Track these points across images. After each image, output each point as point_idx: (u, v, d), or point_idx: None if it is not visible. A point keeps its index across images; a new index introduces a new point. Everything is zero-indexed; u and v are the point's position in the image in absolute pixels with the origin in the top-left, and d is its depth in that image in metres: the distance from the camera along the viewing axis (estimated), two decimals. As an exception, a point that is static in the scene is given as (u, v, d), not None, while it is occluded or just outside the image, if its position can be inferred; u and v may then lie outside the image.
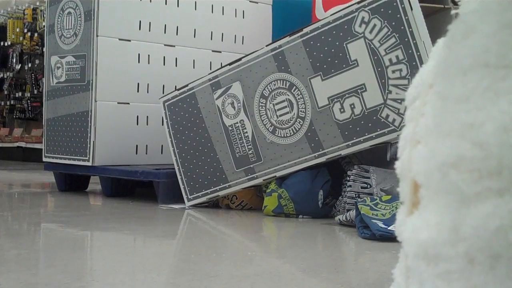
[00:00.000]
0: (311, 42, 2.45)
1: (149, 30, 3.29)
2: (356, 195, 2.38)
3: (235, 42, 3.59)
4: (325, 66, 2.43)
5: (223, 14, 3.56)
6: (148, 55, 3.29)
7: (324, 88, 2.43)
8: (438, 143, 0.61)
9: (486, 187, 0.57)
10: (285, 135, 2.53)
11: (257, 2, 3.69)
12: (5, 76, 7.60)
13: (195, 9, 3.45)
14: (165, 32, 3.35)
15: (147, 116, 3.28)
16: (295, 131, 2.50)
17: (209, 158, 2.71)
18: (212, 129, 2.70)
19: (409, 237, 0.64)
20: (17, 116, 7.54)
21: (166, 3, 3.35)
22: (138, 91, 3.26)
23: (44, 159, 3.50)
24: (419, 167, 0.64)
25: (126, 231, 2.19)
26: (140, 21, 3.26)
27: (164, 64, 3.34)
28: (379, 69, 2.32)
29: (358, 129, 2.37)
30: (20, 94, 7.43)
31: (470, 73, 0.60)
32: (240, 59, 2.64)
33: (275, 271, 1.57)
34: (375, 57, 2.33)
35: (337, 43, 2.40)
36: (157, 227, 2.43)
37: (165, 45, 3.35)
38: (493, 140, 0.56)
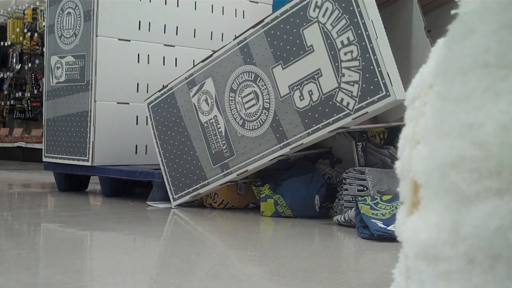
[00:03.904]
0: (272, 32, 2.47)
1: (149, 30, 3.28)
2: (353, 199, 2.37)
3: (235, 42, 3.58)
4: (285, 55, 2.44)
5: (223, 14, 3.55)
6: (148, 55, 3.29)
7: (285, 76, 2.44)
8: (438, 143, 0.61)
9: (486, 187, 0.57)
10: (253, 128, 2.53)
11: (257, 2, 3.69)
12: (5, 76, 7.59)
13: (195, 9, 3.45)
14: (164, 32, 3.34)
15: (147, 116, 3.27)
16: (261, 123, 2.50)
17: (189, 157, 2.73)
18: (190, 127, 2.72)
19: (409, 237, 0.64)
20: (17, 116, 7.54)
21: (166, 3, 3.34)
22: (137, 91, 3.26)
23: (44, 159, 3.50)
24: (419, 167, 0.64)
25: (126, 231, 2.19)
26: (139, 21, 3.25)
27: (164, 64, 3.34)
28: (333, 52, 2.31)
29: (316, 115, 2.37)
30: (20, 94, 7.43)
31: (470, 73, 0.60)
32: (211, 55, 2.67)
33: (275, 271, 1.56)
34: (329, 41, 2.32)
35: (295, 30, 2.41)
36: (157, 227, 2.43)
37: (165, 45, 3.35)
38: (493, 140, 0.56)
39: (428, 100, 0.67)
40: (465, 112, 0.59)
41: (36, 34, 7.10)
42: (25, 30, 7.22)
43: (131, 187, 3.34)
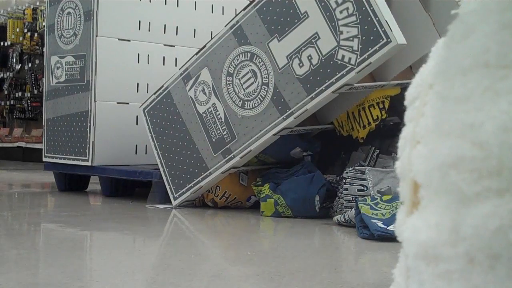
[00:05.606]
0: (264, 8, 2.51)
1: (149, 30, 3.28)
2: (353, 199, 2.37)
3: (235, 42, 3.59)
4: (279, 27, 2.47)
5: (223, 14, 3.55)
6: (148, 55, 3.29)
7: (282, 48, 2.47)
8: (438, 143, 0.61)
9: (486, 187, 0.57)
10: (253, 106, 2.56)
11: (257, 2, 3.69)
12: (5, 76, 7.59)
13: (195, 9, 3.45)
14: (164, 32, 3.34)
15: (147, 116, 3.28)
16: (261, 99, 2.53)
17: (189, 151, 2.74)
18: (188, 121, 2.74)
19: (409, 237, 0.64)
20: (17, 116, 7.53)
21: (166, 3, 3.34)
22: (137, 91, 3.26)
23: (44, 159, 3.50)
24: (419, 167, 0.64)
25: (126, 231, 2.19)
26: (139, 21, 3.25)
27: (164, 64, 3.34)
28: (328, 13, 2.35)
29: (318, 78, 2.39)
30: (20, 94, 7.42)
31: (470, 73, 0.60)
32: (205, 46, 2.69)
33: (275, 271, 1.56)
34: (323, 3, 2.37)
35: (287, 1, 2.45)
36: (157, 227, 2.43)
37: (164, 45, 3.35)
38: (493, 140, 0.56)
39: (428, 100, 0.67)
40: (465, 112, 0.59)
41: (36, 34, 7.10)
42: (25, 30, 7.22)
43: (131, 187, 3.34)
